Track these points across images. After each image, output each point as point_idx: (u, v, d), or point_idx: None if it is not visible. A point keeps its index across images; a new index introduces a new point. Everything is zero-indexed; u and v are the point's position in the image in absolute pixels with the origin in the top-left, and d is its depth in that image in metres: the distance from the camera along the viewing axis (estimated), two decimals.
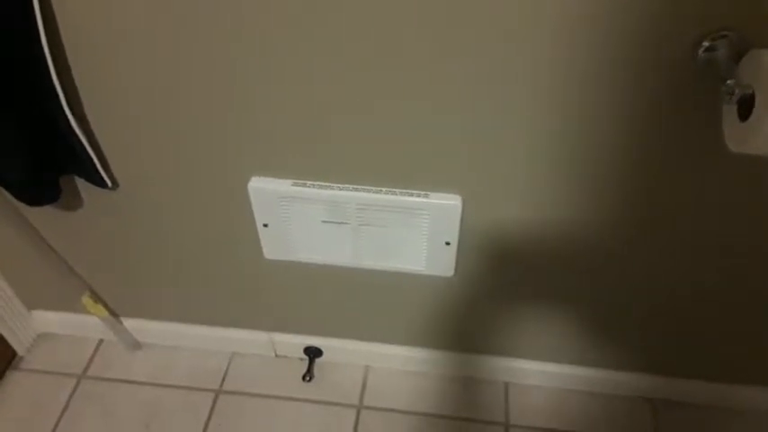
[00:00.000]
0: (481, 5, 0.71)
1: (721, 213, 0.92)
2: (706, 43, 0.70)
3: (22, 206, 1.06)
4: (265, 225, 1.05)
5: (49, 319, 1.45)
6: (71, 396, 1.38)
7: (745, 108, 0.65)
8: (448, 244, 1.02)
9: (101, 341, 1.48)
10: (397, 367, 1.40)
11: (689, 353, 1.22)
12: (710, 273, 1.03)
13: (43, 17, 0.76)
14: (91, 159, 0.95)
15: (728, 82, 0.67)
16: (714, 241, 0.97)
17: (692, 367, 1.27)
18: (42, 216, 1.13)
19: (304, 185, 0.97)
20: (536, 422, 1.32)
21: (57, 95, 0.85)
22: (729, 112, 0.70)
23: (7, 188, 0.96)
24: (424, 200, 0.95)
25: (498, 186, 0.93)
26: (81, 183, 1.04)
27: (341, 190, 0.96)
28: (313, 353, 1.40)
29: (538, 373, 1.34)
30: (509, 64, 0.77)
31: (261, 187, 0.98)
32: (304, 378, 1.38)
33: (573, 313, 1.17)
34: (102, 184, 1.00)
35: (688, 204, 0.91)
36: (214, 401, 1.37)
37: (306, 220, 1.02)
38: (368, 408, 1.35)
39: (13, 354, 1.43)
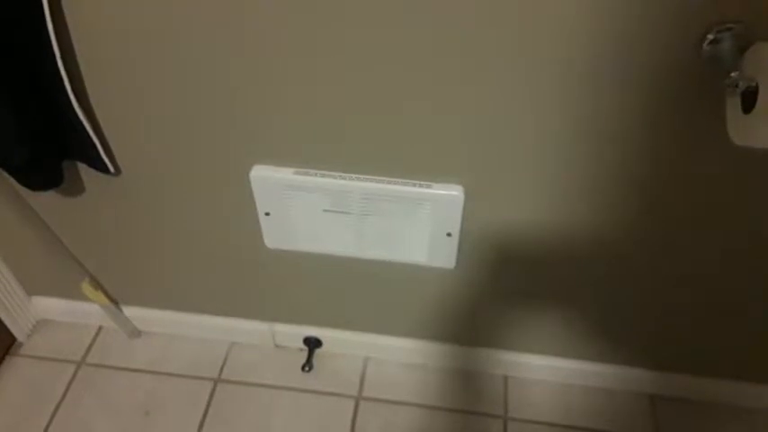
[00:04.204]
0: None
1: (725, 208, 0.92)
2: (711, 36, 0.70)
3: (23, 191, 1.06)
4: (267, 214, 1.05)
5: (49, 306, 1.45)
6: (70, 383, 1.38)
7: (750, 101, 0.65)
8: (449, 235, 1.02)
9: (100, 328, 1.48)
10: (397, 359, 1.40)
11: (690, 349, 1.22)
12: (714, 270, 1.03)
13: (50, 2, 0.76)
14: (94, 145, 0.95)
15: (733, 74, 0.67)
16: (718, 237, 0.97)
17: (692, 363, 1.27)
18: (44, 201, 1.13)
19: (306, 174, 0.97)
20: (535, 416, 1.32)
21: (61, 80, 0.85)
22: (733, 104, 0.70)
23: (9, 172, 0.96)
24: (427, 190, 0.95)
25: (501, 179, 0.93)
26: (83, 168, 1.04)
27: (343, 179, 0.96)
28: (312, 343, 1.40)
29: (537, 367, 1.35)
30: (513, 58, 0.76)
31: (263, 176, 0.98)
32: (303, 368, 1.39)
33: (574, 308, 1.17)
34: (104, 169, 1.00)
35: (692, 200, 0.91)
36: (213, 390, 1.37)
37: (307, 209, 1.02)
38: (367, 399, 1.35)
39: (13, 339, 1.44)
